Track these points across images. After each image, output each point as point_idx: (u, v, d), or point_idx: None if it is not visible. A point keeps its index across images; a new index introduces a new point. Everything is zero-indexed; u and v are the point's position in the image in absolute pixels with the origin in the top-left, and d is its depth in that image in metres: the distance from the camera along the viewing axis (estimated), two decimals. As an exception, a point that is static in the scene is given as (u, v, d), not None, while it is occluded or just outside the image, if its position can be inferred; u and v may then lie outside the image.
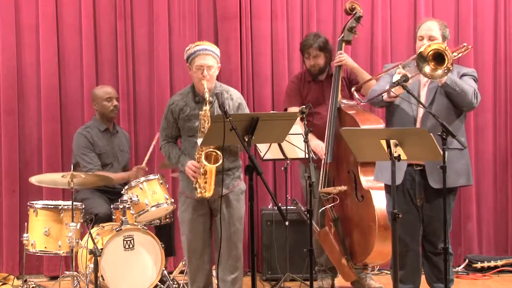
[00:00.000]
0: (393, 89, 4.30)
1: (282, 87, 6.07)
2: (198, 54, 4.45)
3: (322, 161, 5.16)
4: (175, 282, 5.34)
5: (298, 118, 4.68)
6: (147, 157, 5.49)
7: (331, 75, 5.39)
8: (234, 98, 4.54)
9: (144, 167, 5.51)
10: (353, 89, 4.84)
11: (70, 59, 6.20)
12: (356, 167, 5.02)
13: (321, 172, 5.14)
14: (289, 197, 5.33)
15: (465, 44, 4.38)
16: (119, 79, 6.17)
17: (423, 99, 4.44)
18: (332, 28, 6.21)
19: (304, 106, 4.86)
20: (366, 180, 4.98)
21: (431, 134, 3.87)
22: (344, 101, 5.28)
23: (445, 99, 4.39)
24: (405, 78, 4.19)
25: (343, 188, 5.09)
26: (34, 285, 5.36)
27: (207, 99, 4.36)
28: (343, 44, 5.36)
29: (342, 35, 5.37)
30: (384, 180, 4.51)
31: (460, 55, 4.46)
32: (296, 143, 5.04)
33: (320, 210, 5.19)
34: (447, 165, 4.26)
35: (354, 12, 5.36)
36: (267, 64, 6.27)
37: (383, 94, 4.39)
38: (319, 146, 5.18)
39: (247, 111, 4.61)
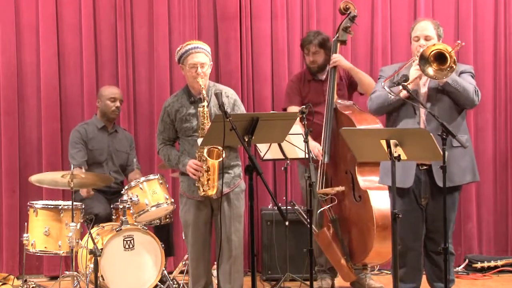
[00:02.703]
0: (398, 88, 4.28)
1: (282, 87, 6.07)
2: (190, 52, 4.47)
3: (320, 162, 5.16)
4: (175, 282, 5.34)
5: (298, 118, 4.68)
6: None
7: None
8: (230, 95, 4.58)
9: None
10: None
11: (70, 59, 6.20)
12: (353, 167, 5.01)
13: (319, 173, 5.13)
14: (287, 199, 5.31)
15: (459, 42, 4.37)
16: (119, 79, 6.17)
17: (423, 98, 4.43)
18: (332, 28, 6.19)
19: (304, 106, 4.86)
20: (363, 180, 4.97)
21: (431, 134, 3.86)
22: (340, 101, 5.27)
23: (446, 97, 4.39)
24: (405, 78, 4.19)
25: (341, 188, 5.09)
26: (34, 285, 5.36)
27: (204, 95, 4.38)
28: (338, 44, 5.34)
29: (337, 35, 5.35)
30: (391, 183, 4.47)
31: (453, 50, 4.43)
32: (296, 143, 5.04)
33: (318, 211, 5.19)
34: (452, 164, 4.29)
35: (348, 12, 5.35)
36: (267, 64, 6.27)
37: (391, 96, 4.35)
38: (315, 148, 5.16)
39: (242, 107, 4.65)
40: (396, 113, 4.49)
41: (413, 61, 4.39)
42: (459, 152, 4.38)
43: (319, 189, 5.11)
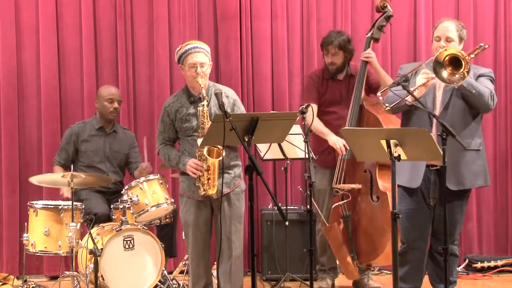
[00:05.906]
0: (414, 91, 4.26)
1: (282, 87, 6.09)
2: (190, 52, 4.48)
3: (339, 157, 5.11)
4: (175, 282, 5.34)
5: (315, 118, 4.61)
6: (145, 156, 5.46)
7: (350, 75, 5.34)
8: (229, 95, 4.59)
9: (146, 166, 5.48)
10: (378, 93, 4.61)
11: (70, 59, 6.20)
12: (374, 167, 4.97)
13: (337, 168, 5.10)
14: (299, 188, 5.28)
15: (481, 44, 4.34)
16: (119, 79, 6.18)
17: (438, 100, 4.42)
18: (332, 28, 6.20)
19: (304, 106, 4.83)
20: (383, 182, 4.91)
21: (431, 134, 3.86)
22: (367, 98, 5.22)
23: (461, 101, 4.36)
24: (405, 79, 4.18)
25: (358, 186, 5.05)
26: (34, 285, 5.36)
27: (203, 94, 4.39)
28: (371, 42, 5.30)
29: (371, 32, 5.29)
30: (399, 182, 4.40)
31: (475, 53, 4.38)
32: (296, 143, 5.04)
33: (333, 206, 5.16)
34: (463, 167, 4.30)
35: (385, 11, 5.31)
36: (267, 64, 6.27)
37: (406, 98, 4.33)
38: (338, 142, 5.09)
39: (242, 107, 4.65)
40: (409, 115, 4.48)
41: (422, 68, 4.35)
42: (471, 156, 4.37)
43: (335, 183, 5.09)
